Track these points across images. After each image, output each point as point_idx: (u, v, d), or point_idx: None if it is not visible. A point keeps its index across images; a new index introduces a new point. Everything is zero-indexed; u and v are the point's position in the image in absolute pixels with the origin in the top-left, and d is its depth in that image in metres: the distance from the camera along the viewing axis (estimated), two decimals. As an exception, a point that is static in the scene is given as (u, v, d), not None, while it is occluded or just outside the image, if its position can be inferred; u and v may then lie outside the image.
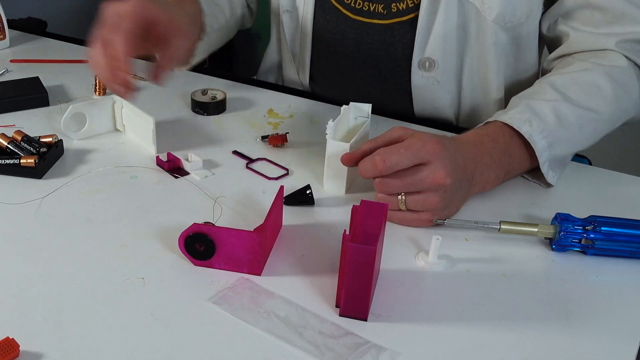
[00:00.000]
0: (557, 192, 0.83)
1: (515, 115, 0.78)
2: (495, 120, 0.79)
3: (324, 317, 0.62)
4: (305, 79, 1.08)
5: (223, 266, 0.67)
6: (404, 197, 0.72)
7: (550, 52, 0.95)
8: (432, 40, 0.92)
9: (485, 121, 0.81)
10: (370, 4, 0.95)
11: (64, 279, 0.66)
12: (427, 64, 0.94)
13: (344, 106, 0.84)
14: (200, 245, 0.66)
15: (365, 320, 0.62)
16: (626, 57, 0.86)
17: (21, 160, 0.80)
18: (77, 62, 1.15)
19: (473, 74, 0.96)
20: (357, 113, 0.86)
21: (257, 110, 1.01)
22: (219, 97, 1.00)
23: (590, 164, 0.96)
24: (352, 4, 0.96)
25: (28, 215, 0.75)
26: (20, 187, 0.79)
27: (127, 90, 0.76)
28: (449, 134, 0.78)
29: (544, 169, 0.79)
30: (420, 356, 0.59)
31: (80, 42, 1.25)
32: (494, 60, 0.94)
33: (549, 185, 0.82)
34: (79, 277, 0.66)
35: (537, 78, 0.94)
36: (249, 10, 1.13)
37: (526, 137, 0.77)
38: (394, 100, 1.01)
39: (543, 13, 0.93)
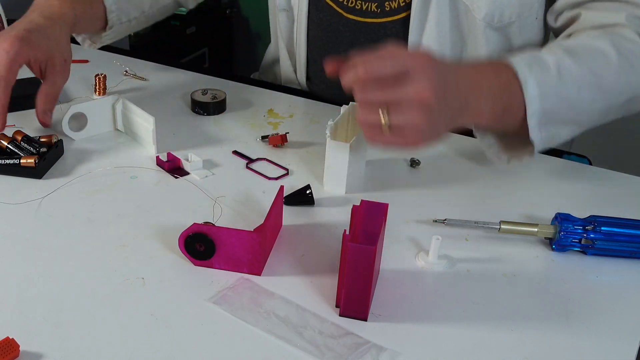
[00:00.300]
0: (557, 192, 0.83)
1: (517, 58, 0.75)
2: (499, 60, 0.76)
3: (324, 317, 0.62)
4: (302, 77, 1.08)
5: (223, 266, 0.67)
6: (386, 114, 0.65)
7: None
8: (426, 39, 0.92)
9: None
10: (364, 3, 0.95)
11: (64, 279, 0.66)
12: None
13: (344, 106, 0.84)
14: (200, 245, 0.66)
15: (365, 320, 0.62)
16: (638, 33, 0.83)
17: (21, 161, 0.80)
18: (77, 62, 1.15)
19: None
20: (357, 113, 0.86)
21: (257, 110, 1.01)
22: (219, 97, 1.00)
23: (590, 163, 0.96)
24: (345, 3, 0.96)
25: (28, 215, 0.75)
26: (20, 187, 0.79)
27: None
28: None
29: (531, 121, 0.73)
30: (420, 356, 0.59)
31: (80, 42, 1.25)
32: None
33: (529, 154, 0.77)
34: (79, 277, 0.66)
35: None
36: None
37: (521, 80, 0.72)
38: None
39: (547, 7, 0.92)
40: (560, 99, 0.75)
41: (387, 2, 0.93)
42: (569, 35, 0.88)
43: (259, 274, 0.67)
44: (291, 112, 1.00)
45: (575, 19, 0.88)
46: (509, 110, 0.73)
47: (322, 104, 1.02)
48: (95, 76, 1.02)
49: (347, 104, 0.84)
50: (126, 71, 1.11)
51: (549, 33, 0.97)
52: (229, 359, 0.57)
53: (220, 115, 0.99)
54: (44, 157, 0.81)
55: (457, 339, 0.61)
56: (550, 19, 0.92)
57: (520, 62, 0.74)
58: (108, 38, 1.04)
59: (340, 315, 0.62)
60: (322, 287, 0.66)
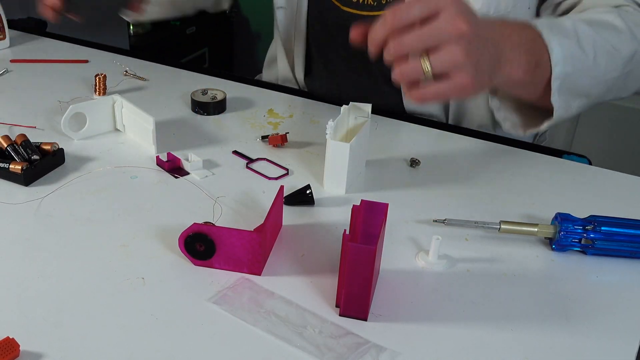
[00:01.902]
0: (557, 192, 0.83)
1: (537, 20, 0.74)
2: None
3: (324, 317, 0.62)
4: (301, 75, 1.08)
5: (223, 266, 0.67)
6: (426, 60, 0.63)
7: None
8: None
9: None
10: None
11: (64, 279, 0.66)
12: None
13: (344, 106, 0.84)
14: (200, 245, 0.66)
15: (365, 320, 0.62)
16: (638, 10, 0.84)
17: (10, 166, 0.79)
18: (77, 62, 1.16)
19: None
20: (357, 113, 0.86)
21: (257, 110, 1.01)
22: (219, 97, 1.00)
23: (590, 163, 0.96)
24: None
25: (28, 215, 0.75)
26: (21, 187, 0.79)
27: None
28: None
29: (555, 84, 0.73)
30: (420, 356, 0.59)
31: (80, 42, 1.25)
32: None
33: (546, 123, 0.77)
34: (79, 277, 0.66)
35: None
36: None
37: (545, 40, 0.72)
38: (384, 94, 1.00)
39: (540, 4, 0.93)
40: (580, 62, 0.75)
41: None
42: None
43: (259, 274, 0.67)
44: (291, 112, 1.00)
45: (576, 3, 0.89)
46: (541, 65, 0.73)
47: (322, 103, 1.02)
48: (96, 76, 1.02)
49: (347, 103, 0.84)
50: (126, 71, 1.11)
51: None
52: (229, 359, 0.58)
53: (220, 115, 0.99)
54: (34, 164, 0.80)
55: (457, 339, 0.61)
56: (548, 12, 0.92)
57: (543, 25, 0.73)
58: (150, 12, 1.01)
59: (340, 315, 0.62)
60: (322, 287, 0.66)
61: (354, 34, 0.67)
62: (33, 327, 0.59)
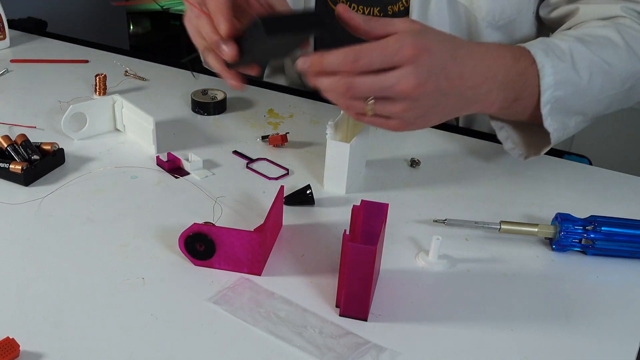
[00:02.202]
0: (557, 192, 0.83)
1: (534, 44, 0.74)
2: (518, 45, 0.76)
3: (324, 317, 0.62)
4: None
5: (223, 266, 0.67)
6: (372, 102, 0.65)
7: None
8: None
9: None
10: (366, 8, 0.95)
11: (64, 279, 0.66)
12: None
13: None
14: (200, 245, 0.66)
15: (366, 320, 0.62)
16: (636, 22, 0.84)
17: (10, 166, 0.79)
18: (77, 62, 1.16)
19: None
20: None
21: (257, 110, 1.01)
22: (219, 97, 1.00)
23: (590, 164, 0.96)
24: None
25: (28, 215, 0.75)
26: (21, 187, 0.79)
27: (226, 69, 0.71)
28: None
29: (544, 109, 0.74)
30: (420, 356, 0.59)
31: (80, 42, 1.25)
32: None
33: (544, 147, 0.77)
34: (79, 277, 0.66)
35: None
36: None
37: (538, 66, 0.72)
38: None
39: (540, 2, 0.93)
40: (573, 86, 0.75)
41: (389, 6, 0.93)
42: (569, 28, 0.88)
43: (259, 274, 0.67)
44: (291, 112, 1.00)
45: (573, 13, 0.88)
46: (520, 100, 0.74)
47: (322, 104, 1.02)
48: (96, 76, 1.02)
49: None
50: (126, 71, 1.11)
51: (543, 27, 0.96)
52: (229, 359, 0.57)
53: (220, 115, 0.99)
54: (34, 164, 0.80)
55: (457, 339, 0.61)
56: (544, 12, 0.92)
57: (538, 49, 0.74)
58: None
59: (340, 315, 0.62)
60: (322, 287, 0.66)
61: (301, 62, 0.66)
62: (33, 327, 0.59)
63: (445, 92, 0.66)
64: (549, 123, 0.75)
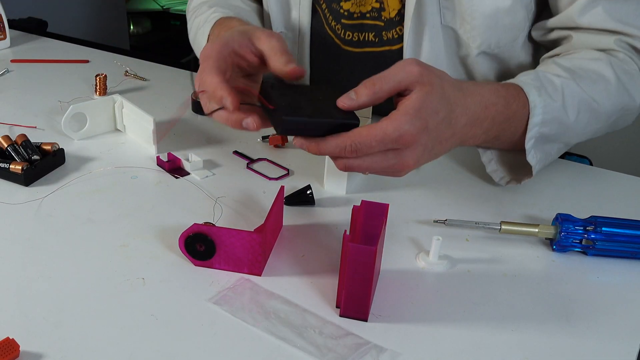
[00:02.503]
0: (557, 193, 0.83)
1: (529, 81, 0.76)
2: (514, 83, 0.77)
3: (324, 318, 0.62)
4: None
5: (223, 266, 0.67)
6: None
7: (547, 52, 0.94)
8: None
9: (505, 82, 0.78)
10: (360, 34, 0.95)
11: (64, 279, 0.66)
12: None
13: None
14: (200, 245, 0.66)
15: (366, 320, 0.62)
16: (631, 58, 0.85)
17: (10, 166, 0.79)
18: (77, 62, 1.16)
19: None
20: (358, 113, 0.86)
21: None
22: None
23: (591, 164, 0.96)
24: (342, 35, 0.96)
25: (28, 215, 0.75)
26: (21, 187, 0.79)
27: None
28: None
29: (528, 144, 0.76)
30: (420, 356, 0.59)
31: (80, 42, 1.25)
32: (484, 79, 0.94)
33: (523, 177, 0.79)
34: (79, 277, 0.66)
35: None
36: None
37: (530, 106, 0.74)
38: (388, 110, 1.00)
39: (534, 22, 0.92)
40: (560, 124, 0.77)
41: (383, 32, 0.93)
42: (560, 54, 0.89)
43: (259, 274, 0.67)
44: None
45: (567, 39, 0.88)
46: (500, 138, 0.76)
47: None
48: (96, 76, 1.02)
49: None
50: (127, 71, 1.11)
51: (537, 51, 0.96)
52: (229, 359, 0.57)
53: (220, 115, 0.98)
54: (34, 165, 0.80)
55: (457, 339, 0.61)
56: (537, 34, 0.91)
57: (532, 87, 0.75)
58: None
59: (340, 316, 0.62)
60: (323, 288, 0.66)
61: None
62: (33, 327, 0.59)
63: (437, 151, 0.69)
64: (532, 156, 0.77)
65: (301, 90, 0.70)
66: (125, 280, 0.65)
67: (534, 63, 0.95)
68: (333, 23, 0.96)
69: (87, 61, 1.16)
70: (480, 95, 0.72)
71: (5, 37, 1.20)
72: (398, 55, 0.93)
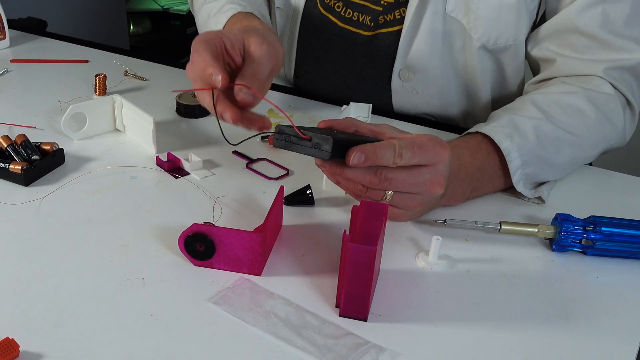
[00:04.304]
0: (557, 193, 0.83)
1: (498, 128, 0.77)
2: (476, 132, 0.78)
3: (324, 318, 0.62)
4: (290, 74, 1.08)
5: (223, 266, 0.67)
6: (391, 193, 0.69)
7: (533, 74, 0.95)
8: (414, 52, 0.92)
9: (466, 132, 0.79)
10: (360, 15, 0.95)
11: (64, 279, 0.66)
12: (407, 74, 0.94)
13: (344, 106, 0.84)
14: (200, 245, 0.66)
15: (365, 320, 0.62)
16: (612, 85, 0.85)
17: (10, 166, 0.79)
18: (77, 62, 1.16)
19: (459, 84, 0.96)
20: (357, 113, 0.86)
21: (257, 110, 1.01)
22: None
23: (590, 164, 0.96)
24: (343, 13, 0.96)
25: (28, 215, 0.75)
26: (21, 187, 0.79)
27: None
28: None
29: (518, 187, 0.77)
30: (420, 356, 0.59)
31: (80, 42, 1.25)
32: (480, 75, 0.94)
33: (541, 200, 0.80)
34: (79, 277, 0.66)
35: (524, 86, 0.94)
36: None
37: (504, 153, 0.75)
38: (374, 97, 1.00)
39: (529, 33, 0.92)
40: (541, 161, 0.78)
41: (381, 16, 0.93)
42: (541, 81, 0.89)
43: (259, 274, 0.67)
44: (291, 112, 1.00)
45: (551, 61, 0.89)
46: (479, 189, 0.78)
47: (322, 104, 1.02)
48: (96, 76, 1.02)
49: (347, 103, 0.85)
50: (126, 71, 1.11)
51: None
52: (229, 359, 0.57)
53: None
54: (34, 165, 0.80)
55: (457, 339, 0.61)
56: (529, 46, 0.92)
57: (500, 134, 0.76)
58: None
59: (340, 316, 0.62)
60: (323, 288, 0.66)
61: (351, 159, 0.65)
62: (33, 327, 0.59)
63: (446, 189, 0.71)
64: (528, 193, 0.79)
65: (317, 130, 0.69)
66: (125, 280, 0.65)
67: (528, 75, 0.95)
68: (332, 2, 0.96)
69: (87, 61, 1.16)
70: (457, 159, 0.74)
71: (4, 37, 1.20)
72: (394, 38, 0.93)
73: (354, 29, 0.96)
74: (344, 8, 0.96)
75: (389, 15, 0.92)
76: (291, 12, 1.02)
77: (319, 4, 0.98)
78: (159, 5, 2.86)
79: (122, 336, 0.59)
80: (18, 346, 0.56)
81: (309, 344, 0.59)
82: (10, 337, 0.56)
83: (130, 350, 0.58)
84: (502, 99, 0.97)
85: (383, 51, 0.95)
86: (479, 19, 0.87)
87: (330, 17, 0.97)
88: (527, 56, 0.94)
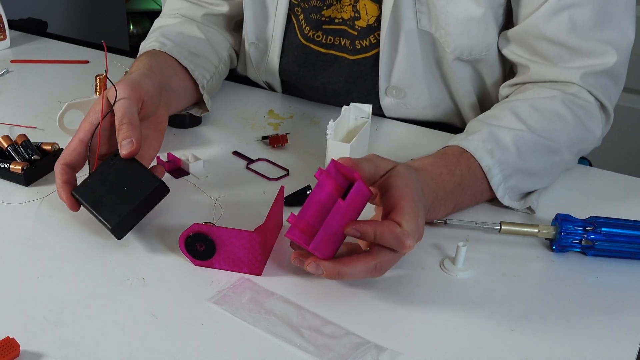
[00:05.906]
0: (557, 193, 0.83)
1: (479, 143, 0.76)
2: (456, 145, 0.76)
3: (324, 317, 0.62)
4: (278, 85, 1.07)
5: (223, 266, 0.67)
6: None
7: (511, 68, 0.93)
8: (397, 72, 0.92)
9: (446, 144, 0.78)
10: (341, 39, 0.95)
11: (64, 279, 0.66)
12: (394, 91, 0.94)
13: (345, 107, 0.84)
14: (200, 245, 0.66)
15: (308, 249, 0.60)
16: (589, 92, 0.84)
17: (10, 166, 0.79)
18: (77, 62, 1.16)
19: (447, 92, 0.96)
20: (358, 113, 0.87)
21: (257, 110, 1.01)
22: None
23: (590, 165, 0.96)
24: (325, 41, 0.96)
25: (28, 215, 0.75)
26: (21, 187, 0.79)
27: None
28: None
29: (504, 201, 0.77)
30: (420, 356, 0.59)
31: (80, 42, 1.25)
32: (461, 83, 0.93)
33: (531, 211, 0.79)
34: (79, 277, 0.66)
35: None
36: (234, 52, 1.08)
37: (485, 171, 0.75)
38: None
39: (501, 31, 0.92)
40: (522, 173, 0.78)
41: (357, 41, 0.93)
42: (516, 85, 0.88)
43: (259, 274, 0.67)
44: (291, 113, 1.00)
45: (524, 68, 0.87)
46: (460, 204, 0.77)
47: (322, 104, 1.02)
48: (96, 76, 1.02)
49: (347, 104, 0.85)
50: (127, 71, 1.11)
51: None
52: (229, 359, 0.57)
53: (220, 115, 0.98)
54: (34, 165, 0.80)
55: (457, 339, 0.61)
56: (500, 45, 0.90)
57: (482, 152, 0.75)
58: (207, 101, 0.95)
59: (286, 236, 0.61)
60: (323, 287, 0.66)
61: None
62: (33, 327, 0.59)
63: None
64: (516, 205, 0.78)
65: (97, 177, 0.72)
66: (125, 280, 0.65)
67: (511, 74, 0.94)
68: (311, 33, 0.96)
69: (87, 61, 1.16)
70: (422, 169, 0.72)
71: (5, 38, 1.20)
72: (374, 61, 0.93)
73: (338, 53, 0.96)
74: (324, 36, 0.96)
75: (365, 41, 0.93)
76: (268, 46, 1.00)
77: (299, 35, 0.98)
78: (159, 5, 2.86)
79: (122, 336, 0.59)
80: (18, 346, 0.56)
81: (309, 344, 0.59)
82: (11, 337, 0.56)
83: (130, 350, 0.58)
84: (488, 101, 0.96)
85: (366, 74, 0.95)
86: (449, 35, 0.87)
87: (312, 46, 0.97)
88: (502, 52, 0.93)
